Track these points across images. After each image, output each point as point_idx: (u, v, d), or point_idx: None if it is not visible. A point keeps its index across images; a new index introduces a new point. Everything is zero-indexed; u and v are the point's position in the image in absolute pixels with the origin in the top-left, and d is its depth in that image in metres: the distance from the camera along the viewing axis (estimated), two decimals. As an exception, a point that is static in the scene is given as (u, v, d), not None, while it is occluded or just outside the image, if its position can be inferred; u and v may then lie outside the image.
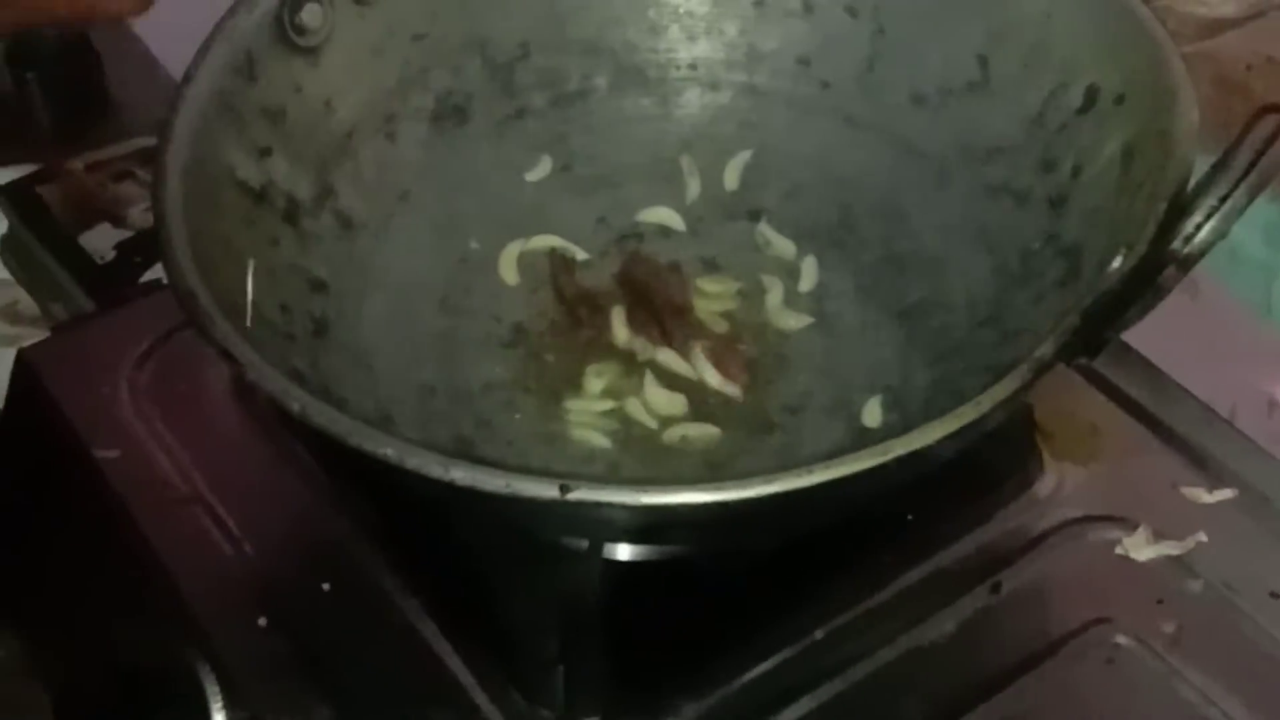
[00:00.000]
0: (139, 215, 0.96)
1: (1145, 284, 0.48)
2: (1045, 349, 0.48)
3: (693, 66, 0.71)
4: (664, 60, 0.71)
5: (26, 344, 1.19)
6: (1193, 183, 0.51)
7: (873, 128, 0.68)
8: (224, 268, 0.54)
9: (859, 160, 0.68)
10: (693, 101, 0.71)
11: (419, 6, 0.65)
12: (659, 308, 0.65)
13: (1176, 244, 0.48)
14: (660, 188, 0.70)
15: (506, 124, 0.69)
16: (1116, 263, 0.50)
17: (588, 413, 0.61)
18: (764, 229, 0.68)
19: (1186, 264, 0.48)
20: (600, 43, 0.70)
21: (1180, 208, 0.50)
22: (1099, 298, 0.49)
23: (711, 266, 0.68)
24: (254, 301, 0.55)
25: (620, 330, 0.65)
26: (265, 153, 0.60)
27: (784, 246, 0.67)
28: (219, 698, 0.58)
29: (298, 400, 0.48)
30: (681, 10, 0.70)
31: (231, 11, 0.60)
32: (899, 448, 0.45)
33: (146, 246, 0.94)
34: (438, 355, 0.63)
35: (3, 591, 0.75)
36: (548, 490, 0.45)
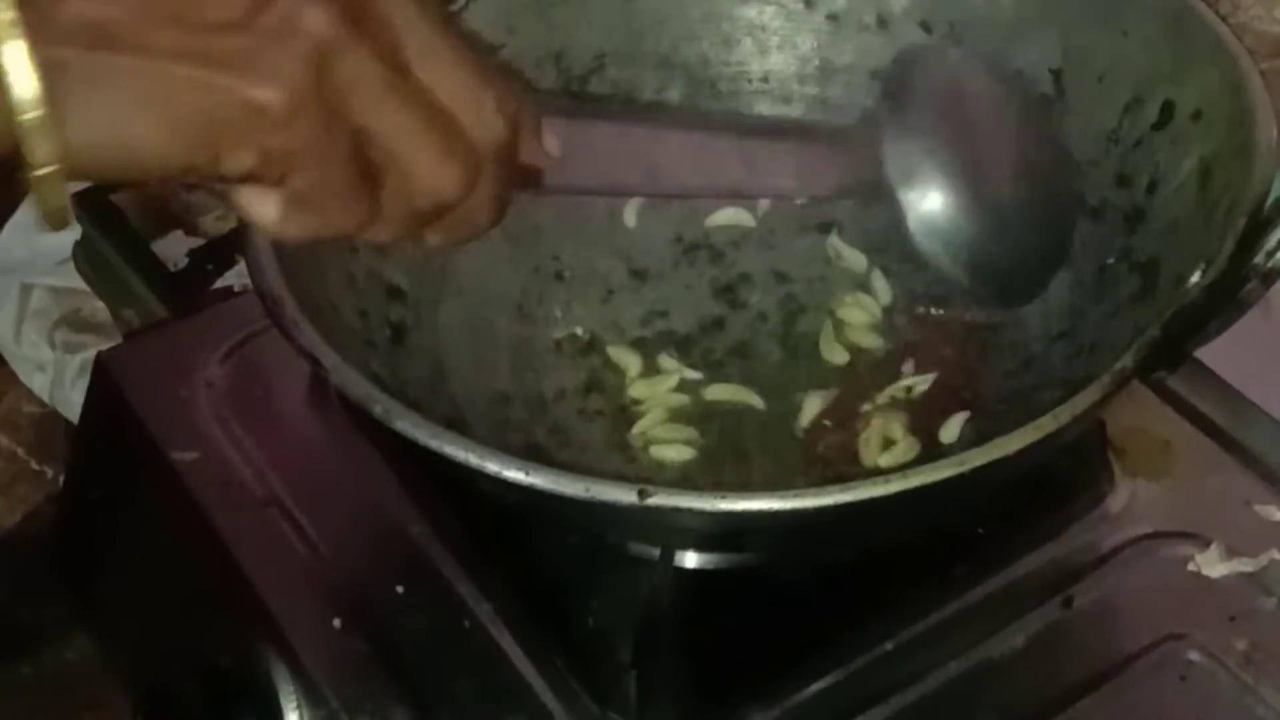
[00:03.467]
0: (211, 223, 0.97)
1: (1226, 299, 0.48)
2: (1126, 361, 0.48)
3: (765, 80, 0.71)
4: (736, 73, 0.71)
5: (91, 350, 1.21)
6: (1272, 198, 0.51)
7: (946, 142, 0.68)
8: (306, 273, 0.55)
9: (932, 174, 0.68)
10: (764, 114, 0.71)
11: (497, 18, 0.66)
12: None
13: (1259, 259, 0.48)
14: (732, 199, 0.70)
15: (581, 135, 0.70)
16: (1196, 277, 0.50)
17: (661, 420, 0.62)
18: (835, 241, 0.68)
19: (1269, 279, 0.48)
20: (674, 56, 0.70)
21: (1260, 223, 0.50)
22: (1179, 311, 0.49)
23: (782, 279, 0.68)
24: (334, 307, 0.56)
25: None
26: (345, 161, 0.61)
27: (855, 259, 0.68)
28: (294, 698, 0.58)
29: (380, 404, 0.49)
30: (755, 24, 0.70)
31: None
32: (977, 459, 0.46)
33: (219, 254, 0.95)
34: (512, 363, 0.64)
35: (79, 593, 0.76)
36: (626, 495, 0.46)
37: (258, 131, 0.38)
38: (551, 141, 0.47)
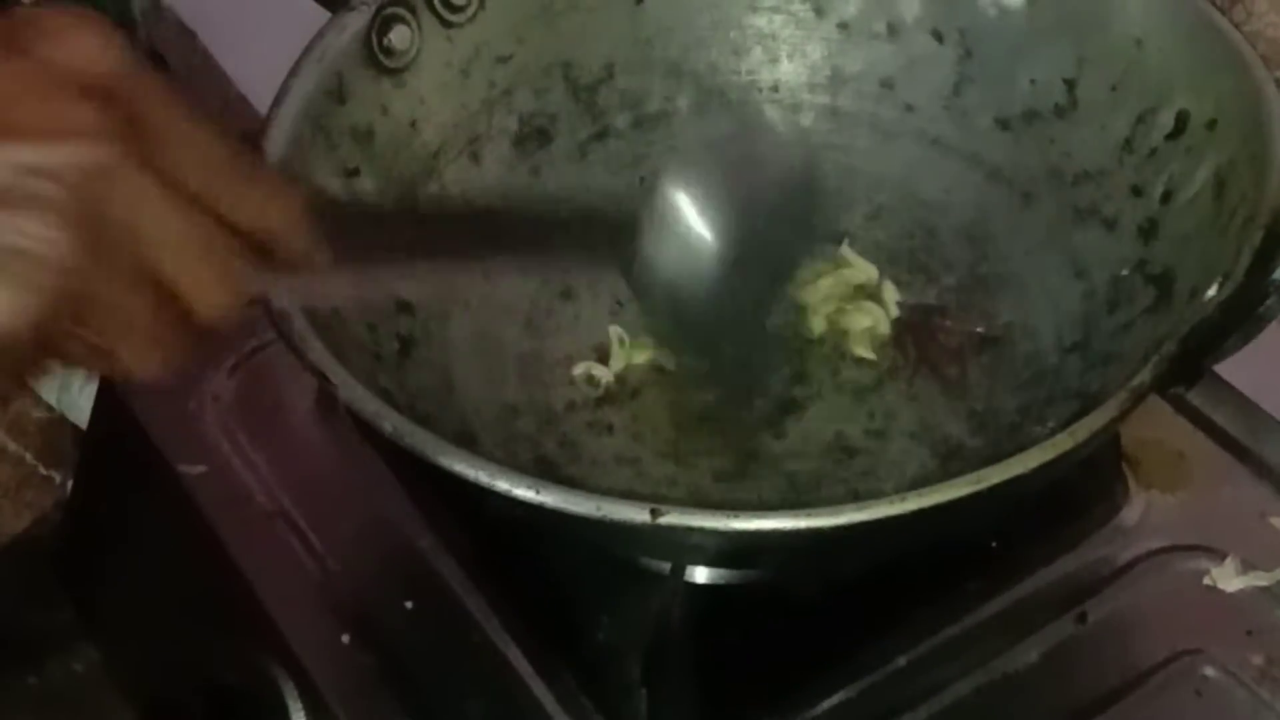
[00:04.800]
0: (219, 232, 0.97)
1: (1245, 314, 0.48)
2: (1143, 377, 0.47)
3: (775, 89, 0.70)
4: (746, 82, 0.71)
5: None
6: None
7: (957, 151, 0.67)
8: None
9: (943, 183, 0.67)
10: (775, 123, 0.71)
11: (505, 29, 0.66)
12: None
13: (1278, 274, 0.47)
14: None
15: (589, 145, 0.69)
16: (1212, 291, 0.49)
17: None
18: (845, 251, 0.68)
19: (1289, 294, 0.48)
20: (683, 64, 0.70)
21: (1277, 236, 0.49)
22: (1196, 326, 0.48)
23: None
24: (342, 320, 0.56)
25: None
26: (353, 173, 0.60)
27: (865, 269, 0.67)
28: (302, 713, 0.58)
29: (389, 421, 0.48)
30: (765, 33, 0.70)
31: (321, 33, 0.61)
32: (994, 476, 0.45)
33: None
34: (521, 376, 0.64)
35: (86, 605, 0.76)
36: (638, 515, 0.45)
37: (37, 276, 0.35)
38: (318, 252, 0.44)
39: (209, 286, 0.39)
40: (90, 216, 0.36)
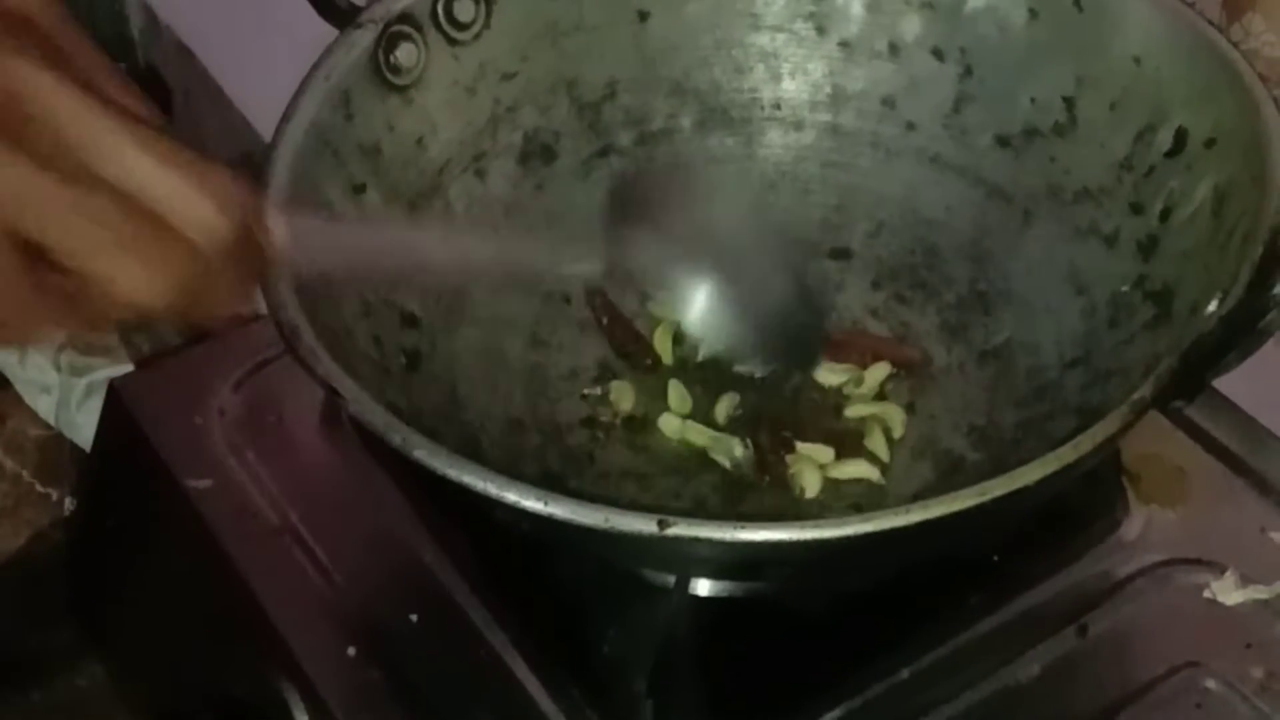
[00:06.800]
0: (221, 248, 0.98)
1: (1245, 329, 0.48)
2: (1144, 391, 0.48)
3: (777, 106, 0.71)
4: (748, 100, 0.71)
5: (98, 373, 1.21)
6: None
7: (958, 169, 0.68)
8: (321, 301, 0.55)
9: (944, 200, 0.68)
10: (776, 141, 0.71)
11: (510, 47, 0.66)
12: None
13: (1278, 289, 0.48)
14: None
15: (593, 162, 0.70)
16: (1212, 306, 0.50)
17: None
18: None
19: (1289, 309, 0.48)
20: (686, 83, 0.70)
21: (1276, 252, 0.50)
22: (1197, 341, 0.49)
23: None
24: (349, 334, 0.56)
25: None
26: (360, 189, 0.61)
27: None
28: (308, 727, 0.58)
29: (399, 433, 0.48)
30: (767, 51, 0.70)
31: (329, 51, 0.61)
32: (997, 489, 0.46)
33: (228, 279, 0.96)
34: (526, 390, 0.64)
35: (92, 620, 0.76)
36: (646, 526, 0.46)
37: None
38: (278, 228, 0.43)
39: (130, 280, 0.37)
40: None
